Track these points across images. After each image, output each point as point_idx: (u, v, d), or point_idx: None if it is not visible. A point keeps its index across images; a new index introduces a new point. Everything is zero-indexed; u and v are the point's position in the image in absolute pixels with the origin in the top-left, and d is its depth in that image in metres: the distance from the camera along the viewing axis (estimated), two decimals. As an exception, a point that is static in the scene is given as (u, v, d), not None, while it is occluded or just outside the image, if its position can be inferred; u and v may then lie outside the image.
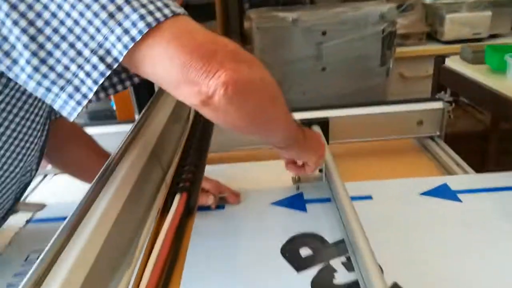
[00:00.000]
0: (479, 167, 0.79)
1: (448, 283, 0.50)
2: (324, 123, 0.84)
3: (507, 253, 0.55)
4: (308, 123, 0.84)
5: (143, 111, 0.52)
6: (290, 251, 0.57)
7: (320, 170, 0.71)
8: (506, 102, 0.82)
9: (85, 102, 0.36)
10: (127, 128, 0.86)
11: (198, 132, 0.56)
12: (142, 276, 0.33)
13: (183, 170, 0.46)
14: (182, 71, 0.35)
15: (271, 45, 1.08)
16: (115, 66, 0.36)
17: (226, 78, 0.36)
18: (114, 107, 1.02)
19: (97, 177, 0.36)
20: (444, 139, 0.89)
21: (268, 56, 1.05)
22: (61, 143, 0.66)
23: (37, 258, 0.29)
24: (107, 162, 0.39)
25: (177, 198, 0.41)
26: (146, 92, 0.94)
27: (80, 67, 0.35)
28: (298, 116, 0.85)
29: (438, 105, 0.86)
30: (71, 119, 0.39)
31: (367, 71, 1.10)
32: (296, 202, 0.68)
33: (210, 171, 0.78)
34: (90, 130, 0.85)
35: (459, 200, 0.66)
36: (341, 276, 0.52)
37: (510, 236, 0.58)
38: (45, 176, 0.86)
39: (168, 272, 0.33)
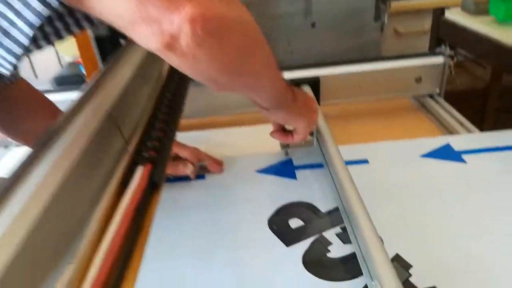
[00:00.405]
0: (479, 126, 0.73)
1: (455, 251, 0.45)
2: (314, 83, 0.77)
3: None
4: (297, 83, 0.77)
5: (104, 68, 0.44)
6: (278, 223, 0.51)
7: (311, 134, 0.64)
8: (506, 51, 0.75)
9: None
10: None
11: (170, 93, 0.49)
12: (92, 260, 0.27)
13: (149, 137, 0.39)
14: (138, 5, 0.28)
15: (255, -1, 0.99)
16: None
17: (194, 12, 0.28)
18: (84, 72, 0.93)
19: (33, 146, 0.29)
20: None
21: (251, 11, 0.96)
22: (19, 112, 0.58)
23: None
24: (50, 127, 0.31)
25: (139, 170, 0.33)
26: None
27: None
28: (286, 75, 0.78)
29: (438, 60, 0.78)
30: (8, 73, 0.32)
31: (360, 27, 1.02)
32: (284, 169, 0.62)
33: (189, 138, 0.71)
34: (57, 97, 0.77)
35: (464, 161, 0.60)
36: (336, 249, 0.46)
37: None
38: (6, 147, 0.79)
39: (125, 258, 0.27)
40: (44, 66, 1.25)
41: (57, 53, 1.35)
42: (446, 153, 0.62)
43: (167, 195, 0.58)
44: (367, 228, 0.42)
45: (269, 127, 0.61)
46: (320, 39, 1.01)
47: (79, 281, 0.26)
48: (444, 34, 0.93)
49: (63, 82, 1.00)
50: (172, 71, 0.58)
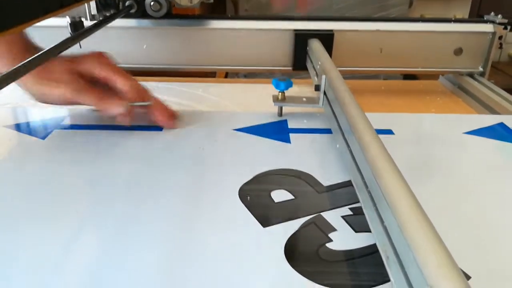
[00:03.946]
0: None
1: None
2: (327, 38, 0.60)
3: None
4: (304, 37, 0.60)
5: None
6: (254, 193, 0.33)
7: (317, 89, 0.46)
8: None
9: None
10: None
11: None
12: None
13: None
14: None
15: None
16: None
17: None
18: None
19: None
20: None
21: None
22: None
23: None
24: None
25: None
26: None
27: None
28: (290, 26, 0.61)
29: (486, 27, 0.61)
30: None
31: (386, -3, 0.85)
32: (275, 130, 0.44)
33: (161, 87, 0.53)
34: None
35: (528, 144, 0.42)
36: (342, 238, 0.28)
37: None
38: None
39: None
40: None
41: None
42: (499, 133, 0.45)
43: (107, 142, 0.40)
44: (408, 209, 0.24)
45: (263, 86, 0.43)
46: (338, 5, 0.84)
47: None
48: (486, 9, 0.76)
49: None
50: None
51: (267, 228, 0.29)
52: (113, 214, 0.30)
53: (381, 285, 0.24)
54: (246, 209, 0.31)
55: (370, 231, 0.26)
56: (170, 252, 0.27)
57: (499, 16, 0.62)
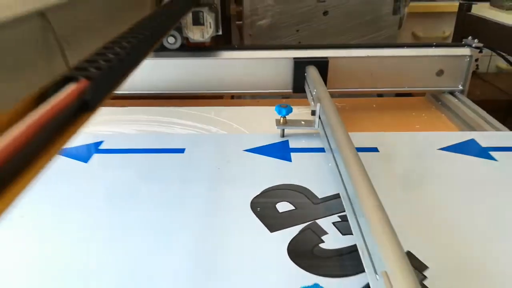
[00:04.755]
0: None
1: (479, 254, 0.35)
2: (322, 64, 0.68)
3: None
4: (302, 64, 0.68)
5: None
6: (263, 205, 0.41)
7: (314, 113, 0.54)
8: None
9: None
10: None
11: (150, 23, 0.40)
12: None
13: (99, 55, 0.29)
14: None
15: (265, -19, 0.91)
16: None
17: None
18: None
19: None
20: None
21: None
22: None
23: None
24: None
25: (70, 86, 0.24)
26: None
27: None
28: (290, 54, 0.69)
29: (464, 51, 0.69)
30: None
31: (377, 19, 0.93)
32: (279, 150, 0.52)
33: (178, 111, 0.62)
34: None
35: (493, 159, 0.50)
36: (332, 239, 0.36)
37: None
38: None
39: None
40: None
41: None
42: (470, 149, 0.52)
43: (142, 164, 0.48)
44: (377, 217, 0.32)
45: (267, 109, 0.52)
46: (332, 29, 0.93)
47: None
48: (470, 31, 0.84)
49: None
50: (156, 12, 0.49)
51: (274, 233, 0.37)
52: (154, 218, 0.38)
53: (359, 274, 0.32)
54: (257, 218, 0.39)
55: (352, 234, 0.34)
56: (199, 247, 0.35)
57: (476, 40, 0.70)
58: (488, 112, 0.66)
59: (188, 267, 0.33)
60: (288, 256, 0.34)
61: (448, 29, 1.01)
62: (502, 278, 0.33)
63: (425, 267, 0.33)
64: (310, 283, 0.31)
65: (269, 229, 0.38)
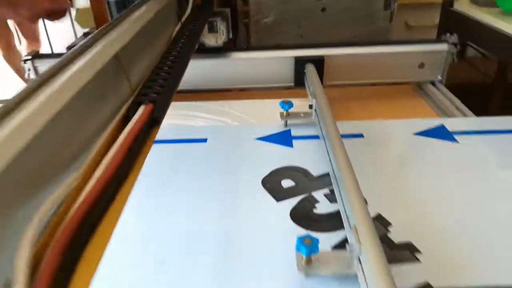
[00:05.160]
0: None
1: (434, 215, 0.47)
2: (319, 62, 0.79)
3: (496, 195, 0.51)
4: (302, 61, 0.80)
5: (115, 19, 0.47)
6: (271, 182, 0.54)
7: (311, 106, 0.66)
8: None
9: None
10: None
11: (178, 47, 0.52)
12: (88, 180, 0.29)
13: (153, 81, 0.42)
14: None
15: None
16: None
17: None
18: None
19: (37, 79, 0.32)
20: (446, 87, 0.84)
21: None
22: None
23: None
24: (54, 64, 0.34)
25: (142, 108, 0.37)
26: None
27: None
28: (291, 54, 0.81)
29: (442, 47, 0.80)
30: None
31: (370, 15, 1.03)
32: (283, 138, 0.65)
33: (196, 106, 0.75)
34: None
35: (456, 141, 0.62)
36: (322, 206, 0.49)
37: (503, 177, 0.54)
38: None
39: (114, 188, 0.29)
40: (60, 39, 1.29)
41: (72, 26, 1.39)
42: (439, 133, 0.64)
43: (171, 152, 0.61)
44: (352, 189, 0.44)
45: (273, 102, 0.64)
46: (330, 24, 1.03)
47: (76, 192, 0.29)
48: (452, 26, 0.94)
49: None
50: (180, 35, 0.61)
51: (279, 202, 0.50)
52: (188, 194, 0.51)
53: (341, 230, 0.45)
54: (267, 191, 0.52)
55: (337, 202, 0.47)
56: (223, 213, 0.48)
57: (452, 37, 0.80)
58: (470, 94, 0.77)
59: (217, 229, 0.46)
60: (290, 218, 0.47)
61: (437, 18, 1.10)
62: (451, 233, 0.45)
63: (389, 224, 0.46)
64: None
65: (276, 199, 0.50)
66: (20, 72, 0.78)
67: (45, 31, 1.20)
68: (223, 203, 0.50)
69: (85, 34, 1.10)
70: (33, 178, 0.26)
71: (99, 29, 0.42)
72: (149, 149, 0.34)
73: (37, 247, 0.21)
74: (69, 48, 1.04)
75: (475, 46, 0.91)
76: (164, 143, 0.64)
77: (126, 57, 0.42)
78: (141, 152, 0.34)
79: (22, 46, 0.84)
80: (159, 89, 0.41)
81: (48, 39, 1.19)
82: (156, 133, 0.36)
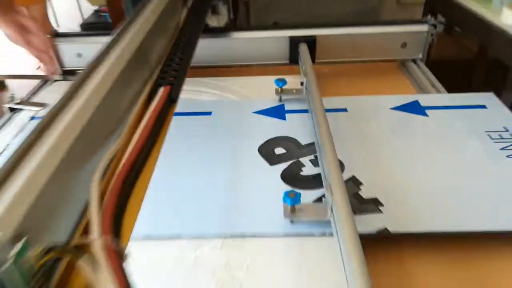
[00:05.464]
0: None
1: (401, 177, 0.58)
2: (311, 41, 0.88)
3: (451, 159, 0.61)
4: (296, 41, 0.88)
5: (131, 16, 0.56)
6: (266, 149, 0.64)
7: (302, 84, 0.76)
8: (489, 28, 0.85)
9: None
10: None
11: (185, 37, 0.61)
12: (126, 147, 0.39)
13: (168, 66, 0.51)
14: None
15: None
16: None
17: None
18: (110, 20, 1.05)
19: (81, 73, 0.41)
20: (427, 64, 0.93)
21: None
22: None
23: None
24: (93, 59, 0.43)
25: (161, 90, 0.46)
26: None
27: None
28: (287, 33, 0.89)
29: (422, 28, 0.88)
30: None
31: (362, -7, 1.11)
32: (277, 111, 0.75)
33: (200, 82, 0.84)
34: (85, 40, 0.89)
35: (426, 115, 0.72)
36: (308, 169, 0.60)
37: (466, 145, 0.64)
38: (45, 82, 0.92)
39: (147, 151, 0.39)
40: (66, 15, 1.37)
41: (78, 2, 1.46)
42: (413, 108, 0.74)
43: (180, 125, 0.71)
44: (330, 155, 0.55)
45: (269, 78, 0.73)
46: (323, 2, 1.10)
47: (116, 162, 0.39)
48: (436, 7, 1.02)
49: (90, 28, 1.12)
50: (187, 21, 0.70)
51: (273, 166, 0.60)
52: (200, 157, 0.62)
53: (320, 188, 0.55)
54: (262, 157, 0.62)
55: (319, 166, 0.57)
56: (228, 174, 0.58)
57: (432, 18, 0.89)
58: (455, 70, 0.86)
59: (220, 185, 0.57)
60: (281, 179, 0.58)
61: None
62: (410, 190, 0.56)
63: (360, 183, 0.56)
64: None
65: (269, 164, 0.61)
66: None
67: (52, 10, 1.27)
68: (225, 166, 0.61)
69: (96, 12, 1.17)
70: (95, 141, 0.37)
71: (123, 24, 0.51)
72: (169, 122, 0.45)
73: (102, 183, 0.32)
74: (82, 26, 1.12)
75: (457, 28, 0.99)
76: (176, 115, 0.73)
77: (146, 45, 0.52)
78: (164, 124, 0.44)
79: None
80: (174, 73, 0.50)
81: (55, 17, 1.26)
82: (174, 109, 0.46)
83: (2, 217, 0.23)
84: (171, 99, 0.46)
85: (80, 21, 1.34)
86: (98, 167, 0.33)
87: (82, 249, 0.26)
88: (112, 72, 0.42)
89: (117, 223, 0.29)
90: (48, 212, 0.27)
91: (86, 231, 0.30)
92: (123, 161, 0.36)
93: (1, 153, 0.66)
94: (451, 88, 0.84)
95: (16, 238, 0.22)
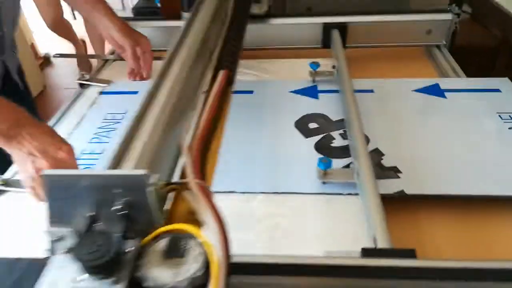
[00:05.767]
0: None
1: (420, 150, 0.67)
2: (343, 28, 0.96)
3: (464, 135, 0.70)
4: (329, 27, 0.97)
5: (193, 8, 0.66)
6: (301, 124, 0.75)
7: (334, 67, 0.85)
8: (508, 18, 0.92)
9: None
10: (170, 23, 1.01)
11: (235, 27, 0.71)
12: (199, 121, 0.51)
13: (224, 52, 0.62)
14: None
15: None
16: None
17: None
18: (159, 4, 1.16)
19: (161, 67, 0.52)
20: (452, 50, 1.00)
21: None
22: None
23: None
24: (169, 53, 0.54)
25: (221, 73, 0.57)
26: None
27: None
28: (320, 20, 0.98)
29: (446, 16, 0.95)
30: None
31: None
32: (311, 91, 0.85)
33: (246, 64, 0.94)
34: (136, 24, 1.01)
35: (445, 97, 0.80)
36: (338, 142, 0.70)
37: (478, 124, 0.73)
38: (106, 61, 1.04)
39: (214, 124, 0.50)
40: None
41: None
42: (433, 90, 0.83)
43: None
44: (357, 129, 0.65)
45: (304, 61, 0.83)
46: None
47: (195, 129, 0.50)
48: (462, -7, 1.08)
49: (140, 12, 1.23)
50: (235, 12, 0.80)
51: (308, 138, 0.71)
52: (246, 130, 0.73)
53: (349, 157, 0.66)
54: (298, 131, 0.73)
55: (348, 139, 0.68)
56: (270, 144, 0.69)
57: (457, 7, 0.95)
58: (478, 55, 0.93)
59: (269, 152, 0.68)
60: (314, 149, 0.68)
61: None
62: (427, 160, 0.65)
63: (383, 154, 0.66)
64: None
65: (304, 136, 0.72)
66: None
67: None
68: (267, 139, 0.72)
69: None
70: (179, 111, 0.48)
71: (188, 20, 0.62)
72: (230, 99, 0.55)
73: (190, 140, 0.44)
74: (133, 10, 1.23)
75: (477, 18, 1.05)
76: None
77: (207, 35, 0.62)
78: (226, 101, 0.55)
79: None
80: (230, 58, 0.61)
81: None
82: (232, 91, 0.57)
83: (139, 160, 0.35)
84: (230, 81, 0.57)
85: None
86: (185, 130, 0.44)
87: (185, 185, 0.37)
88: (188, 58, 0.53)
89: (202, 169, 0.41)
90: (160, 158, 0.39)
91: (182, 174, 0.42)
92: (200, 128, 0.47)
93: (80, 122, 0.78)
94: (474, 73, 0.92)
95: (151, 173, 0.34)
